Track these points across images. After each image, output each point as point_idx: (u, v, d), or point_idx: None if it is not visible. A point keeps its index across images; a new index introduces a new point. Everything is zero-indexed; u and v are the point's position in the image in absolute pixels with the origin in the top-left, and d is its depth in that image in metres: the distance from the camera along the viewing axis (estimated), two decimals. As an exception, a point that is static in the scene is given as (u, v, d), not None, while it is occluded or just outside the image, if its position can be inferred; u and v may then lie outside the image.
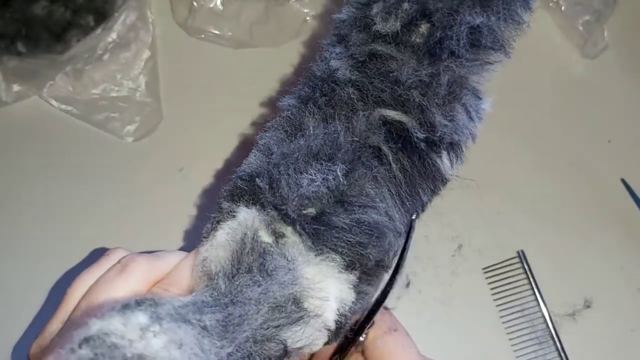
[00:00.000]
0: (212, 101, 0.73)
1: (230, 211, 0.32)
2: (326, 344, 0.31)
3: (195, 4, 0.72)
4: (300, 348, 0.30)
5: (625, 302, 0.64)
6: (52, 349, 0.31)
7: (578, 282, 0.64)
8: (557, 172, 0.69)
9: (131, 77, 0.71)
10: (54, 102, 0.70)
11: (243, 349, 0.28)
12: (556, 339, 0.61)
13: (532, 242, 0.65)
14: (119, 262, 0.34)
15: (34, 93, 0.71)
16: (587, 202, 0.67)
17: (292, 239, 0.31)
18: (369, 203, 0.32)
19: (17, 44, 0.67)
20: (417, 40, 0.34)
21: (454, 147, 0.35)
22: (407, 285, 0.62)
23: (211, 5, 0.72)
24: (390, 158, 0.33)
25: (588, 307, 0.63)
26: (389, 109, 0.34)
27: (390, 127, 0.34)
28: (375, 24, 0.35)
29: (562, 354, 0.60)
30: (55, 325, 0.33)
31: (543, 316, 0.62)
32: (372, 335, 0.34)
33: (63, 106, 0.70)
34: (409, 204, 0.34)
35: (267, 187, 0.32)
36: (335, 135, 0.33)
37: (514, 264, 0.64)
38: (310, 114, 0.34)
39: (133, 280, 0.33)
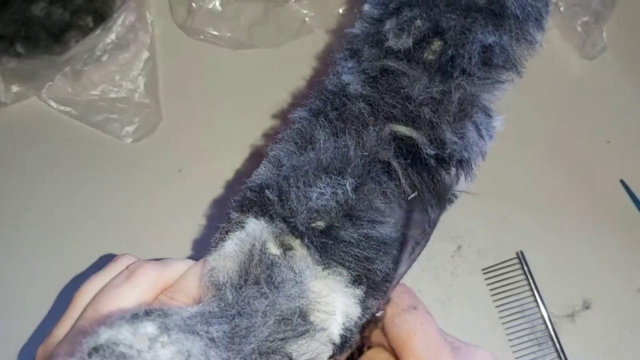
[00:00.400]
0: (211, 102, 0.73)
1: (239, 222, 0.32)
2: (331, 357, 0.32)
3: (194, 5, 0.71)
4: (304, 361, 0.30)
5: (624, 303, 0.64)
6: (58, 353, 0.31)
7: (577, 283, 0.64)
8: (556, 172, 0.69)
9: (130, 78, 0.70)
10: (52, 103, 0.70)
11: (248, 361, 0.28)
12: (555, 339, 0.61)
13: (531, 243, 0.65)
14: (126, 268, 0.34)
15: (33, 94, 0.70)
16: (586, 203, 0.68)
17: (300, 252, 0.31)
18: (378, 218, 0.32)
19: (16, 44, 0.67)
20: (429, 57, 0.34)
21: (463, 165, 0.35)
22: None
23: (210, 6, 0.72)
24: (400, 173, 0.33)
25: (587, 308, 0.63)
26: (400, 124, 0.34)
27: (401, 142, 0.34)
28: (387, 40, 0.35)
29: (561, 355, 0.61)
30: (61, 330, 0.33)
31: (542, 317, 0.62)
32: (391, 313, 0.34)
33: (62, 107, 0.70)
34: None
35: (276, 199, 0.32)
36: (346, 149, 0.33)
37: (513, 264, 0.64)
38: (321, 127, 0.34)
39: (140, 288, 0.33)
